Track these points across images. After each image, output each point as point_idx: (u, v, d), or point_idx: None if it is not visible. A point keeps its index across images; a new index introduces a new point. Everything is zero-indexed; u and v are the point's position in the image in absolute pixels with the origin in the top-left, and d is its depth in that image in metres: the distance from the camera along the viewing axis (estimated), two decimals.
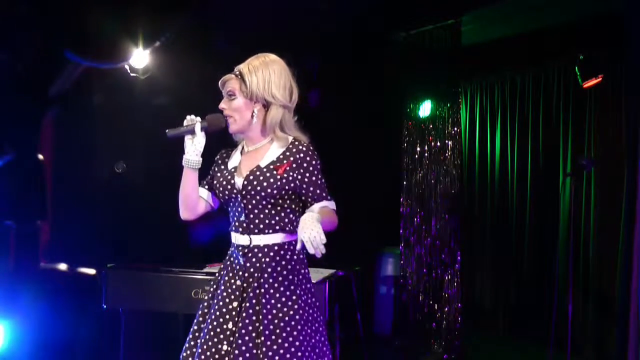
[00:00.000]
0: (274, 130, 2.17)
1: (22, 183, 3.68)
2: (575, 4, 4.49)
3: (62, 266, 4.04)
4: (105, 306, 3.67)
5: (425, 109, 5.02)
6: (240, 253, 2.17)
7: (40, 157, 3.84)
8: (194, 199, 2.28)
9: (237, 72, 2.16)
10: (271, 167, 2.13)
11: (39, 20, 3.73)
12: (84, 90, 4.31)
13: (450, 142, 4.91)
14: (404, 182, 5.16)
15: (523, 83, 5.61)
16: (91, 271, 4.18)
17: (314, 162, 2.15)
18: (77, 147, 4.25)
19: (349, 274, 3.92)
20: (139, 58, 4.30)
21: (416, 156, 5.10)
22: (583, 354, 4.85)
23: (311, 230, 1.85)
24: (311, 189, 2.15)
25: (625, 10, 3.85)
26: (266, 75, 2.12)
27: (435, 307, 4.93)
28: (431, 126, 5.02)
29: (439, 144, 4.98)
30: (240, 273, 2.16)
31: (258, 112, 2.15)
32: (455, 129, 4.90)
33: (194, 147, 2.19)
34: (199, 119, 2.19)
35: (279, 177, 2.11)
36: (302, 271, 2.19)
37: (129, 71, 4.34)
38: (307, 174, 2.14)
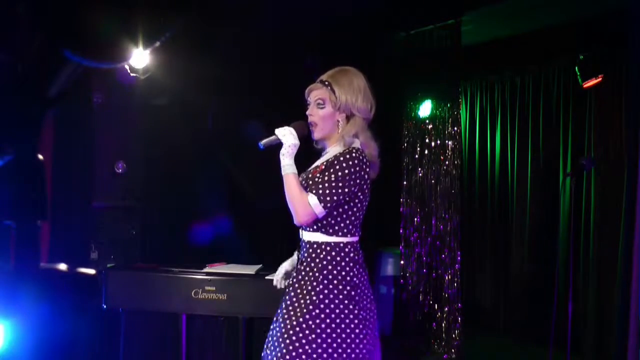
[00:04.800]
0: (345, 138, 2.25)
1: (22, 183, 3.68)
2: (575, 4, 4.49)
3: (62, 266, 4.04)
4: (105, 306, 3.67)
5: (425, 109, 5.02)
6: (300, 247, 2.33)
7: (40, 157, 3.84)
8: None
9: (327, 83, 2.26)
10: (311, 169, 2.28)
11: (39, 20, 3.73)
12: (84, 90, 4.31)
13: (450, 142, 4.91)
14: (404, 182, 5.16)
15: (523, 83, 5.61)
16: (91, 271, 4.18)
17: (336, 165, 2.15)
18: (77, 147, 4.25)
19: None
20: (139, 58, 4.30)
21: (416, 156, 5.10)
22: (583, 354, 4.85)
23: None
24: (316, 179, 2.17)
25: (626, 11, 3.85)
26: (355, 89, 2.26)
27: (435, 307, 4.93)
28: (431, 126, 5.02)
29: (439, 143, 4.98)
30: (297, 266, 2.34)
31: (341, 122, 2.28)
32: (455, 128, 4.90)
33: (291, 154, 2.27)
34: (285, 128, 2.26)
35: (312, 177, 2.21)
36: (342, 273, 2.18)
37: (129, 71, 4.34)
38: (325, 170, 2.17)
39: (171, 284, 3.59)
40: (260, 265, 3.75)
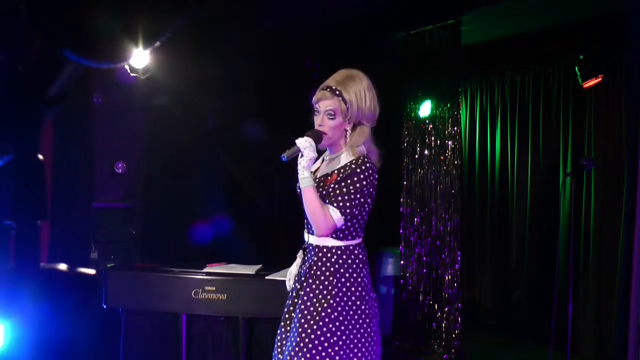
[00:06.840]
0: (353, 148, 2.29)
1: (22, 183, 3.68)
2: (575, 4, 4.49)
3: (62, 266, 4.04)
4: (105, 306, 3.67)
5: (425, 109, 5.02)
6: (306, 250, 2.35)
7: (40, 157, 3.84)
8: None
9: (338, 92, 2.23)
10: (322, 176, 2.28)
11: (39, 20, 3.73)
12: (84, 90, 4.32)
13: (450, 142, 4.91)
14: (404, 182, 5.15)
15: (523, 83, 5.61)
16: (91, 271, 4.18)
17: (354, 177, 2.20)
18: (77, 147, 4.26)
19: None
20: (139, 58, 4.30)
21: (416, 156, 5.10)
22: (583, 354, 4.85)
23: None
24: (333, 191, 2.20)
25: (626, 11, 3.85)
26: (364, 99, 2.26)
27: (435, 307, 4.93)
28: (431, 126, 5.02)
29: (439, 143, 4.98)
30: (300, 271, 2.34)
31: (349, 131, 2.30)
32: (455, 128, 4.89)
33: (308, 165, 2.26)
34: (305, 139, 2.23)
35: (325, 186, 2.23)
36: (354, 275, 2.27)
37: (129, 71, 4.34)
38: (342, 182, 2.21)
39: (171, 284, 3.59)
40: (260, 265, 3.75)
